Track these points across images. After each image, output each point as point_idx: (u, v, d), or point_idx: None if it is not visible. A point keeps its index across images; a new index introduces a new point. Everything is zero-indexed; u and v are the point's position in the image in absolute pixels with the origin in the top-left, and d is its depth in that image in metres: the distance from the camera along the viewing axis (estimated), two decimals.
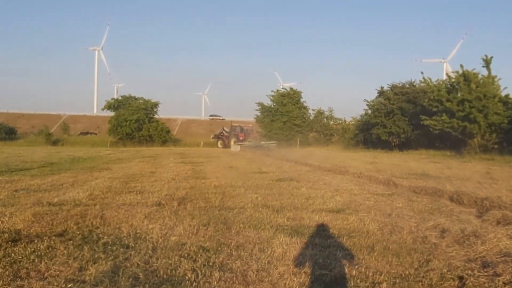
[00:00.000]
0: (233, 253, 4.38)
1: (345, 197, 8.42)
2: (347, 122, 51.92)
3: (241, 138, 45.66)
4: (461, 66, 28.47)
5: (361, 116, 43.73)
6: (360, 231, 5.40)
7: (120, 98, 53.21)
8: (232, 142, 44.83)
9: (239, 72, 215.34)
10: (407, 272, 3.80)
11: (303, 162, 19.30)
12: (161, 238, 4.94)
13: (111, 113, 53.23)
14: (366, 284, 3.49)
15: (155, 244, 4.68)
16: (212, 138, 51.75)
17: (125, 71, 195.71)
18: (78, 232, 5.08)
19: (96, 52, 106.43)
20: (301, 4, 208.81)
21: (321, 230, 5.48)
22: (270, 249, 4.48)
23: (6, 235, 4.79)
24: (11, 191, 8.61)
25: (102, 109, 54.79)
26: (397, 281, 3.58)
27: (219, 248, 4.54)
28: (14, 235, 4.83)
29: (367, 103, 41.22)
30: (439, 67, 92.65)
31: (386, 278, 3.61)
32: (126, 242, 4.73)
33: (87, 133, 69.36)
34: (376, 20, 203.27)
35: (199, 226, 5.58)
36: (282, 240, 4.85)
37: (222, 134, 49.47)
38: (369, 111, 41.08)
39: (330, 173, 13.88)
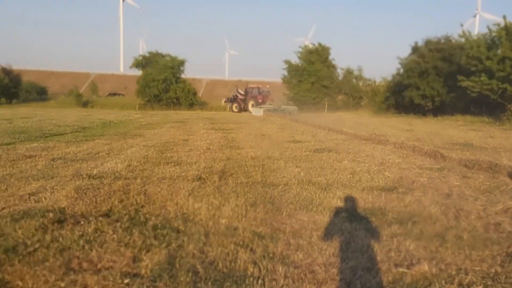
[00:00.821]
0: (291, 241, 4.07)
1: (394, 172, 7.98)
2: (377, 83, 49.39)
3: (259, 101, 43.68)
4: (504, 17, 25.84)
5: (393, 76, 40.74)
6: (421, 216, 5.00)
7: (147, 55, 51.97)
8: (250, 106, 42.96)
9: (262, 27, 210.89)
10: (493, 270, 3.41)
11: (336, 129, 18.76)
12: (210, 220, 4.67)
13: (138, 72, 52.05)
14: (453, 287, 3.12)
15: (206, 228, 4.41)
16: (225, 101, 48.08)
17: (147, 26, 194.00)
18: (124, 212, 4.86)
19: (121, 1, 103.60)
20: None
21: (379, 213, 5.10)
22: (331, 238, 4.15)
23: (51, 214, 4.59)
24: (48, 160, 8.51)
25: (130, 67, 53.57)
26: (489, 282, 3.19)
27: (274, 235, 4.24)
28: (59, 214, 4.64)
29: (400, 60, 38.43)
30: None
31: (474, 279, 3.23)
32: (176, 224, 4.48)
33: (115, 94, 69.84)
34: None
35: (247, 206, 5.28)
36: (342, 226, 4.50)
37: (236, 96, 46.40)
38: (401, 71, 38.49)
39: (369, 143, 13.37)
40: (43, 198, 5.30)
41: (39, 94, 59.40)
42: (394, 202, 5.69)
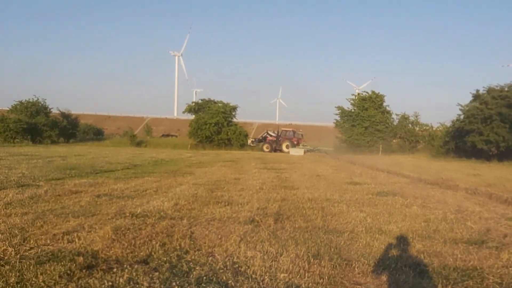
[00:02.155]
0: None
1: (477, 222, 6.80)
2: (434, 128, 48.07)
3: (295, 142, 44.90)
4: None
5: (453, 122, 39.72)
6: None
7: (200, 101, 53.58)
8: (284, 146, 44.20)
9: (311, 76, 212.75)
10: None
11: (396, 171, 17.46)
12: (265, 274, 3.84)
13: (190, 116, 53.90)
14: None
15: (261, 284, 3.57)
16: (252, 142, 49.37)
17: (203, 76, 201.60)
18: (165, 259, 4.12)
19: (176, 57, 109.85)
20: (383, 6, 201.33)
21: (476, 275, 4.05)
22: None
23: (81, 258, 3.95)
24: (93, 197, 8.05)
25: (183, 112, 55.55)
26: None
27: None
28: (90, 259, 3.98)
29: (461, 107, 37.39)
30: None
31: None
32: (224, 278, 3.67)
33: (168, 135, 71.58)
34: (461, 24, 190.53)
35: (309, 257, 4.40)
36: None
37: (265, 137, 48.03)
38: (462, 117, 37.36)
39: (436, 187, 12.07)
40: (77, 238, 4.70)
41: (96, 134, 62.06)
42: (490, 261, 4.60)
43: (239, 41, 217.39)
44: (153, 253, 4.31)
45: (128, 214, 6.36)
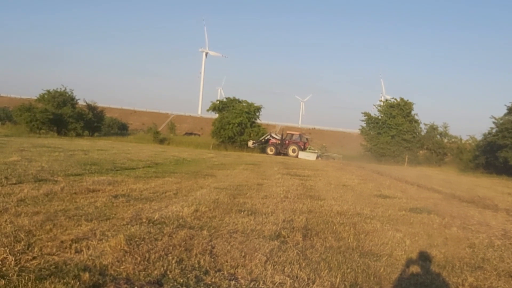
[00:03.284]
0: None
1: None
2: (463, 141, 46.25)
3: (302, 146, 43.36)
4: None
5: (484, 135, 37.99)
6: None
7: (225, 99, 52.97)
8: (290, 150, 42.57)
9: (339, 81, 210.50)
10: None
11: (426, 185, 16.63)
12: None
13: (214, 115, 53.21)
14: None
15: None
16: (253, 144, 46.51)
17: (226, 75, 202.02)
18: (181, 280, 3.61)
19: (204, 54, 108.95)
20: (413, 13, 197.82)
21: None
22: None
23: (87, 275, 3.46)
24: (110, 197, 7.63)
25: (207, 110, 54.85)
26: None
27: None
28: (97, 276, 3.50)
29: (494, 120, 35.68)
30: None
31: None
32: None
33: (191, 134, 71.66)
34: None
35: (346, 287, 3.82)
36: None
37: (267, 140, 45.61)
38: (494, 130, 35.65)
39: (472, 206, 11.26)
40: (85, 248, 4.23)
41: (120, 129, 62.38)
42: None
43: (264, 40, 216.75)
44: (168, 271, 3.80)
45: (144, 220, 5.88)
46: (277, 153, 42.99)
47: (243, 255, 4.54)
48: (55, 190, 7.91)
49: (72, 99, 49.53)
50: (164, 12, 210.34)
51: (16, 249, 4.05)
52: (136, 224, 5.57)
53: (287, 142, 44.14)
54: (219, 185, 11.18)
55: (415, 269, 4.66)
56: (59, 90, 48.70)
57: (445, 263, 5.03)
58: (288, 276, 3.99)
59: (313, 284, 3.84)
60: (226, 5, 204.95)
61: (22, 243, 4.26)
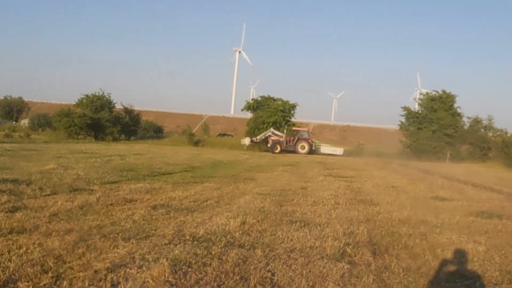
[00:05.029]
0: None
1: None
2: (508, 135, 43.47)
3: (310, 142, 41.86)
4: None
5: None
6: None
7: (259, 98, 52.07)
8: (299, 147, 40.66)
9: (373, 76, 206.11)
10: None
11: (482, 184, 15.36)
12: None
13: (247, 115, 52.23)
14: None
15: None
16: (252, 141, 44.81)
17: (259, 73, 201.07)
18: None
19: (237, 53, 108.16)
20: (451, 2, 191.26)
21: None
22: None
23: None
24: (148, 209, 7.01)
25: (242, 110, 53.97)
26: None
27: None
28: None
29: None
30: None
31: None
32: None
33: (224, 135, 71.31)
34: None
35: None
36: None
37: (270, 137, 43.10)
38: None
39: None
40: (123, 280, 3.55)
41: (156, 132, 62.66)
42: None
43: (295, 36, 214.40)
44: None
45: (188, 237, 5.19)
46: (282, 150, 40.75)
47: (310, 284, 3.76)
48: (90, 201, 7.37)
49: (110, 102, 49.67)
50: (197, 10, 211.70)
51: (41, 284, 3.42)
52: (180, 243, 4.88)
53: (291, 138, 42.15)
54: (262, 190, 10.44)
55: None
56: (97, 94, 49.03)
57: None
58: None
59: None
60: (256, 2, 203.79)
61: (50, 274, 3.63)
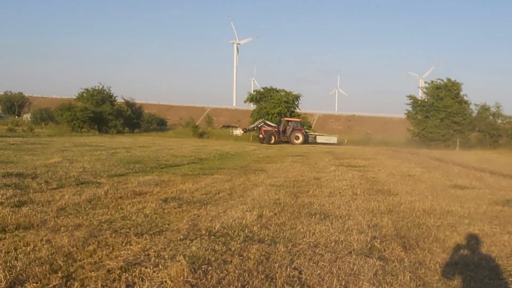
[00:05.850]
0: None
1: None
2: None
3: (303, 132, 41.61)
4: None
5: None
6: None
7: (261, 89, 51.64)
8: (293, 138, 40.24)
9: (372, 64, 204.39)
10: None
11: (500, 172, 14.92)
12: None
13: (249, 106, 51.96)
14: None
15: None
16: (245, 131, 44.65)
17: (259, 65, 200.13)
18: None
19: (235, 45, 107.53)
20: None
21: None
22: None
23: None
24: (159, 202, 6.68)
25: (245, 102, 53.79)
26: None
27: None
28: None
29: None
30: None
31: None
32: None
33: (228, 126, 70.95)
34: None
35: None
36: None
37: (260, 127, 42.15)
38: None
39: None
40: (139, 280, 3.21)
41: (159, 124, 62.47)
42: None
43: (295, 28, 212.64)
44: None
45: (204, 232, 4.85)
46: (276, 141, 40.18)
47: (343, 284, 3.41)
48: (98, 194, 7.05)
49: (110, 96, 49.72)
50: (198, 3, 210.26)
51: (51, 285, 3.09)
52: (196, 238, 4.54)
53: (284, 129, 41.59)
54: (274, 181, 10.10)
55: None
56: (97, 88, 48.95)
57: None
58: None
59: None
60: None
61: (60, 274, 3.30)
